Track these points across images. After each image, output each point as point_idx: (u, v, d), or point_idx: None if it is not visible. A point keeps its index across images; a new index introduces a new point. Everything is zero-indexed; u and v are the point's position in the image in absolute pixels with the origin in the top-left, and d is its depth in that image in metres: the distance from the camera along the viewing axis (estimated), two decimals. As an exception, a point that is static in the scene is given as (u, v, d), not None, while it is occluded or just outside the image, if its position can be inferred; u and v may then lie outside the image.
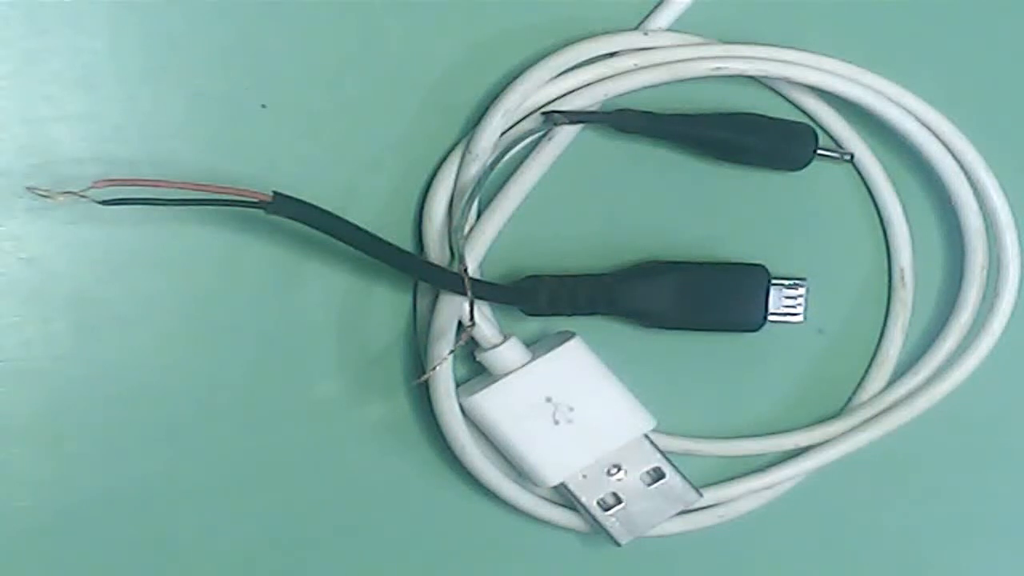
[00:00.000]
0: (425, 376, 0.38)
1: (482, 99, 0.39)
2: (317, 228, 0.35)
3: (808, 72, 0.40)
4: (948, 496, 0.43)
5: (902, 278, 0.42)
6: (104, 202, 0.34)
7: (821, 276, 0.41)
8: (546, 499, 0.40)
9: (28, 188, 0.35)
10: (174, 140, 0.37)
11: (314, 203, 0.35)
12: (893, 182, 0.41)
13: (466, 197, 0.38)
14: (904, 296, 0.42)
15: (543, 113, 0.39)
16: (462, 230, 0.38)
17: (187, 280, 0.38)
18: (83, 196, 0.34)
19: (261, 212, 0.35)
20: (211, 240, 0.38)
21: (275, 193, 0.35)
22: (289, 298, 0.38)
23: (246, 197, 0.34)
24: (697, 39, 0.40)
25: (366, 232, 0.36)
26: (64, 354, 0.37)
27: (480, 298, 0.38)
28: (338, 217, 0.36)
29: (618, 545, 0.39)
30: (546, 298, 0.39)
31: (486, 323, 0.38)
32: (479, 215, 0.39)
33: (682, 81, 0.39)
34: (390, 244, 0.37)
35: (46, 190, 0.34)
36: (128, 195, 0.34)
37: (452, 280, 0.37)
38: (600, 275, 0.40)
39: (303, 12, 0.38)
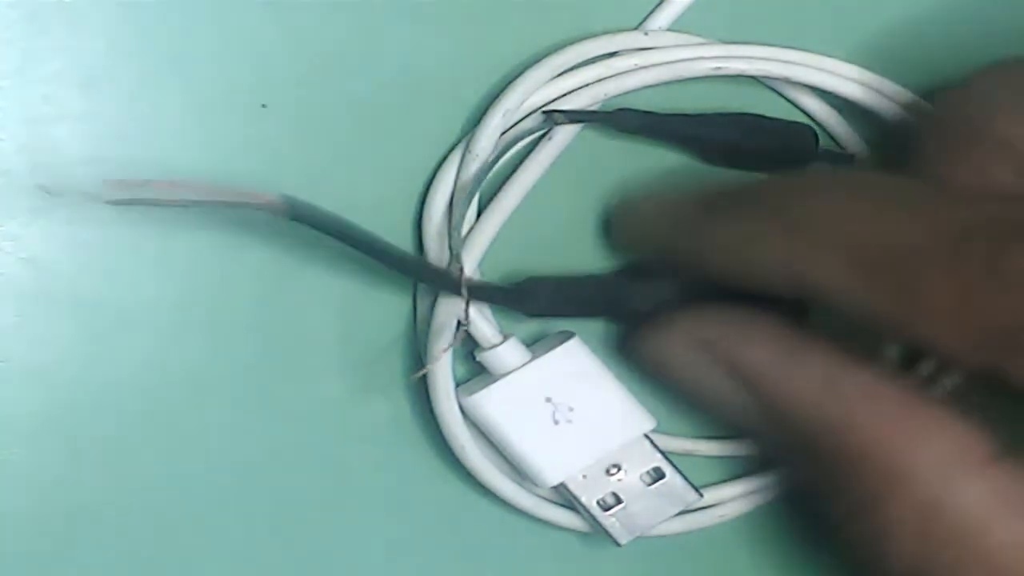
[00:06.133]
0: (422, 371, 0.38)
1: (482, 99, 0.39)
2: (318, 229, 0.35)
3: (808, 72, 0.40)
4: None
5: (901, 278, 0.42)
6: (109, 202, 0.34)
7: (821, 276, 0.41)
8: (546, 499, 0.40)
9: (38, 185, 0.35)
10: (174, 140, 0.37)
11: (316, 204, 0.35)
12: (893, 182, 0.41)
13: (466, 197, 0.38)
14: (903, 296, 0.42)
15: (543, 113, 0.39)
16: (461, 230, 0.38)
17: (187, 280, 0.38)
18: (87, 196, 0.34)
19: (263, 213, 0.35)
20: (211, 240, 0.37)
21: (278, 195, 0.35)
22: (289, 298, 0.38)
23: (247, 200, 0.34)
24: (697, 39, 0.40)
25: (366, 232, 0.36)
26: (64, 354, 0.37)
27: (479, 299, 0.38)
28: (338, 217, 0.36)
29: (618, 545, 0.39)
30: (546, 298, 0.39)
31: (485, 323, 0.38)
32: (479, 215, 0.39)
33: (682, 81, 0.39)
34: (389, 244, 0.37)
35: (53, 189, 0.34)
36: (133, 195, 0.34)
37: (450, 281, 0.37)
38: (600, 275, 0.40)
39: (303, 12, 0.38)
